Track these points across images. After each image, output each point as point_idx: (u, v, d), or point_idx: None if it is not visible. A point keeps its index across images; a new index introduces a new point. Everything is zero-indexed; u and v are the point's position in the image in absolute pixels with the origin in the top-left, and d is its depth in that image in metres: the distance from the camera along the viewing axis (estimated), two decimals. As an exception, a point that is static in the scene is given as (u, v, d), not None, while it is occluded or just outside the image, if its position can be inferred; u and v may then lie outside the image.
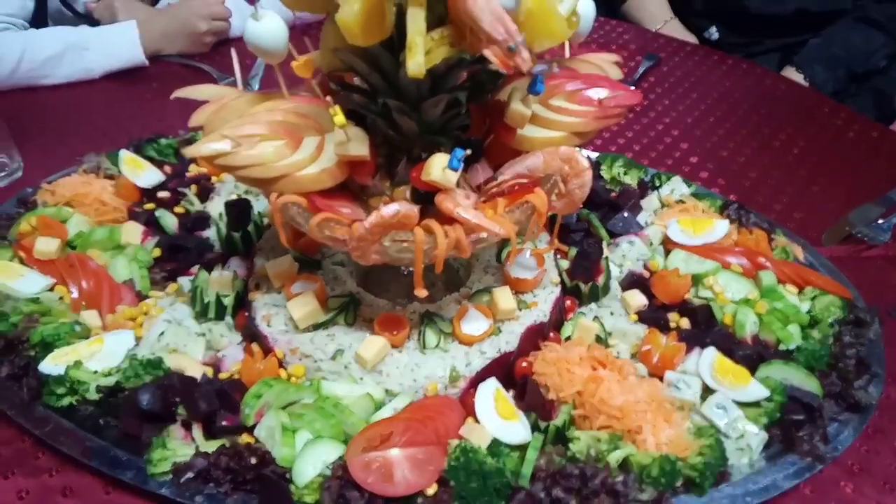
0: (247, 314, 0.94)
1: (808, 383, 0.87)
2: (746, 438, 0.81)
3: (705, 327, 0.95)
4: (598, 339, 0.93)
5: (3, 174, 1.24)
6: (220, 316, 0.96)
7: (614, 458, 0.78)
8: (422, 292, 0.77)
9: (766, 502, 0.78)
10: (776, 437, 0.84)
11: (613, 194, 1.16)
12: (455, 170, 0.70)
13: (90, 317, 0.94)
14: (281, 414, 0.80)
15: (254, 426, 0.81)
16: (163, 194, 1.14)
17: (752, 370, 0.88)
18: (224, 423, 0.81)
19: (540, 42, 0.69)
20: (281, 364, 0.90)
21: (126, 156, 1.16)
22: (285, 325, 0.91)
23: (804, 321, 0.97)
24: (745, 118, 1.50)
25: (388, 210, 0.69)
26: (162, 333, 0.91)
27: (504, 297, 0.90)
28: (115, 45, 1.51)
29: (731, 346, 0.91)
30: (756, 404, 0.85)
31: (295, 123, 0.77)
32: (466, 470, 0.75)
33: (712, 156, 1.37)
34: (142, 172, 1.16)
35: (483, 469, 0.75)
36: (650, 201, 1.15)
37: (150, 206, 1.12)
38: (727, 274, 1.01)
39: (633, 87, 1.56)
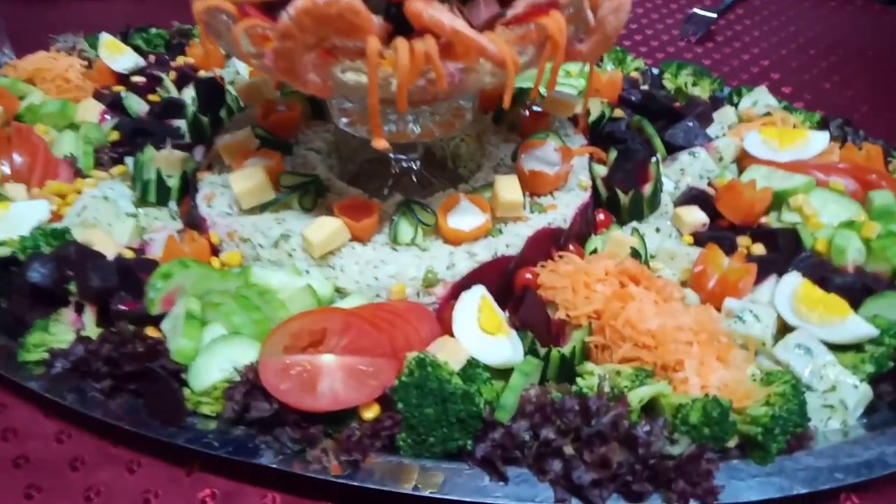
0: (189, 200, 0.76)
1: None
2: (839, 392, 0.55)
3: (787, 254, 0.69)
4: (635, 256, 0.69)
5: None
6: (161, 200, 0.78)
7: (637, 396, 0.54)
8: (380, 143, 0.56)
9: (864, 483, 0.52)
10: (885, 395, 0.57)
11: (677, 104, 0.91)
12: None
13: (15, 190, 0.79)
14: (191, 300, 0.60)
15: (161, 318, 0.62)
16: (137, 79, 0.98)
17: (855, 305, 0.61)
18: (121, 306, 0.62)
19: None
20: (215, 252, 0.70)
21: (106, 39, 1.02)
22: (229, 207, 0.72)
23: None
24: (857, 54, 1.21)
25: (323, -9, 0.49)
26: (84, 208, 0.74)
27: (508, 188, 0.68)
28: None
29: (824, 273, 0.65)
30: (857, 348, 0.58)
31: None
32: (421, 389, 0.53)
33: (811, 87, 1.10)
34: (120, 57, 1.01)
35: (444, 391, 0.53)
36: (724, 114, 0.90)
37: (119, 88, 0.96)
38: (823, 193, 0.74)
39: (715, 15, 1.31)
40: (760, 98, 0.91)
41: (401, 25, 0.57)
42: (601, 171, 0.79)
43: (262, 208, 0.70)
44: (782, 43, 1.25)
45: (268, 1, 0.58)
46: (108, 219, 0.74)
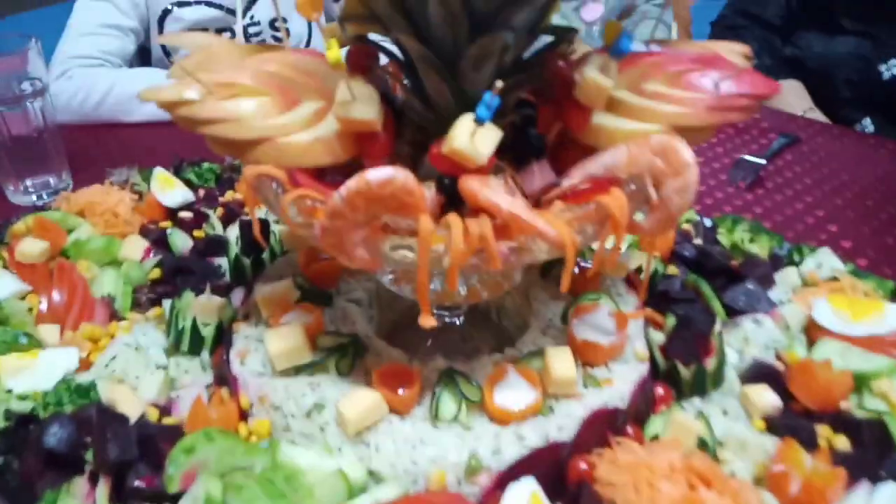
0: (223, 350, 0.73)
1: None
2: None
3: (876, 452, 0.62)
4: (702, 446, 0.62)
5: (49, 191, 1.15)
6: (194, 349, 0.75)
7: None
8: (428, 320, 0.52)
9: None
10: None
11: (734, 262, 0.87)
12: (480, 120, 0.47)
13: (48, 331, 0.77)
14: (212, 482, 0.55)
15: (180, 496, 0.57)
16: (185, 214, 0.99)
17: (967, 528, 0.53)
18: (138, 482, 0.57)
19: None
20: (244, 416, 0.66)
21: (159, 173, 1.04)
22: (263, 365, 0.68)
23: None
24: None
25: (377, 174, 0.47)
26: (114, 358, 0.71)
27: (561, 361, 0.63)
28: None
29: (924, 483, 0.57)
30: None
31: (292, 80, 0.58)
32: None
33: (872, 243, 1.05)
34: (171, 191, 1.02)
35: None
36: (787, 275, 0.85)
37: (165, 224, 0.96)
38: (910, 377, 0.67)
39: (764, 161, 1.29)
40: (825, 260, 0.86)
41: (453, 197, 0.55)
42: (658, 337, 0.73)
43: (296, 370, 0.66)
44: (836, 192, 1.21)
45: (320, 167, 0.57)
46: (136, 371, 0.71)
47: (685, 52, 0.62)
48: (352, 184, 0.47)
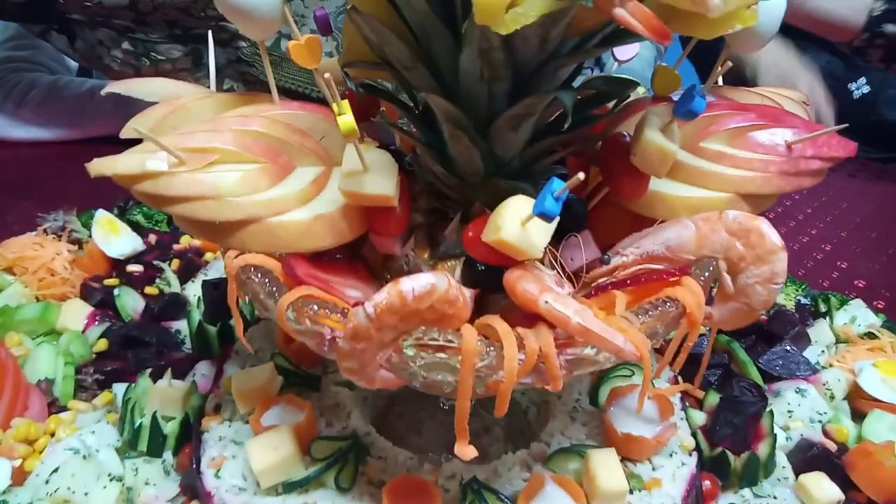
0: (191, 452, 0.60)
1: None
2: None
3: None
4: (767, 558, 0.54)
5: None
6: (155, 450, 0.62)
7: None
8: (467, 451, 0.41)
9: None
10: None
11: (763, 318, 0.79)
12: (547, 217, 0.37)
13: (-31, 432, 0.63)
14: None
15: None
16: (134, 268, 0.85)
17: None
18: None
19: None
20: (224, 545, 0.54)
21: (102, 217, 0.89)
22: (243, 477, 0.56)
23: None
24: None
25: (414, 284, 0.36)
26: (55, 470, 0.58)
27: (607, 469, 0.53)
28: None
29: None
30: None
31: (282, 141, 0.46)
32: None
33: (887, 280, 1.00)
34: (116, 239, 0.88)
35: None
36: (820, 331, 0.78)
37: (112, 281, 0.82)
38: (978, 460, 0.61)
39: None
40: (858, 314, 0.79)
41: (487, 284, 0.44)
42: (699, 417, 0.65)
43: (286, 487, 0.54)
44: (837, 223, 1.16)
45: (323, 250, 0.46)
46: (85, 485, 0.57)
47: (743, 103, 0.53)
48: (382, 299, 0.36)
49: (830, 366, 0.73)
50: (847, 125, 0.53)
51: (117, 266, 0.86)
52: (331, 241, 0.45)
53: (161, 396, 0.63)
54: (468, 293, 0.41)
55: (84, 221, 0.90)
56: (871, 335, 0.76)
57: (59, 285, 0.81)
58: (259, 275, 0.44)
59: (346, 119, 0.39)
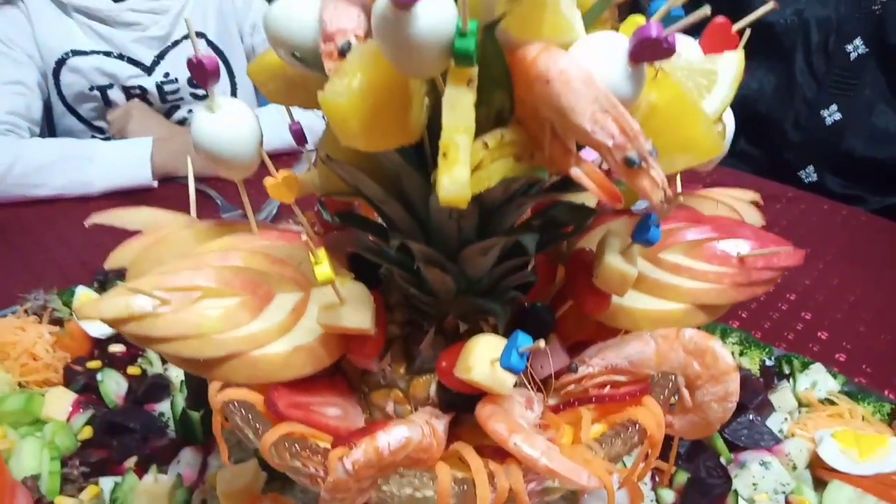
0: (179, 552, 0.62)
1: None
2: None
3: None
4: None
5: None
6: (142, 548, 0.63)
7: None
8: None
9: None
10: None
11: (727, 384, 0.83)
12: (513, 371, 0.39)
13: (-46, 539, 0.63)
14: None
15: None
16: (116, 348, 0.86)
17: None
18: None
19: (670, 159, 0.41)
20: None
21: (83, 294, 0.91)
22: (230, 580, 0.58)
23: None
24: (876, 276, 1.17)
25: (389, 439, 0.38)
26: (43, 580, 0.59)
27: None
28: (124, 160, 1.31)
29: None
30: None
31: (261, 273, 0.48)
32: None
33: (846, 331, 1.04)
34: (98, 318, 0.88)
35: None
36: (782, 398, 0.81)
37: (94, 363, 0.83)
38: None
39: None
40: (819, 378, 0.83)
41: (462, 408, 0.47)
42: (668, 496, 0.68)
43: None
44: (803, 270, 1.20)
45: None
46: (72, 593, 0.59)
47: (699, 214, 0.56)
48: (359, 456, 0.38)
49: (793, 434, 0.76)
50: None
51: (99, 345, 0.87)
52: (311, 369, 0.47)
53: (147, 493, 0.65)
54: (441, 426, 0.43)
55: (65, 300, 0.91)
56: (830, 401, 0.80)
57: (41, 370, 0.82)
58: (243, 410, 0.46)
59: (323, 270, 0.42)
